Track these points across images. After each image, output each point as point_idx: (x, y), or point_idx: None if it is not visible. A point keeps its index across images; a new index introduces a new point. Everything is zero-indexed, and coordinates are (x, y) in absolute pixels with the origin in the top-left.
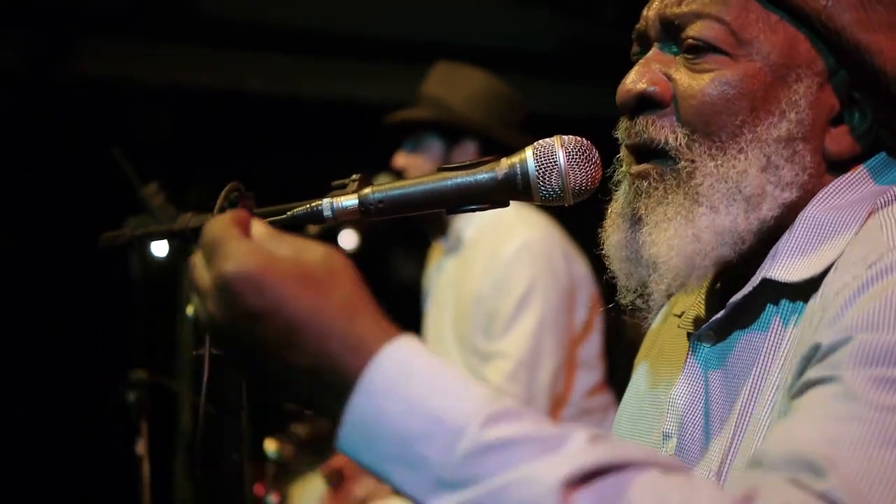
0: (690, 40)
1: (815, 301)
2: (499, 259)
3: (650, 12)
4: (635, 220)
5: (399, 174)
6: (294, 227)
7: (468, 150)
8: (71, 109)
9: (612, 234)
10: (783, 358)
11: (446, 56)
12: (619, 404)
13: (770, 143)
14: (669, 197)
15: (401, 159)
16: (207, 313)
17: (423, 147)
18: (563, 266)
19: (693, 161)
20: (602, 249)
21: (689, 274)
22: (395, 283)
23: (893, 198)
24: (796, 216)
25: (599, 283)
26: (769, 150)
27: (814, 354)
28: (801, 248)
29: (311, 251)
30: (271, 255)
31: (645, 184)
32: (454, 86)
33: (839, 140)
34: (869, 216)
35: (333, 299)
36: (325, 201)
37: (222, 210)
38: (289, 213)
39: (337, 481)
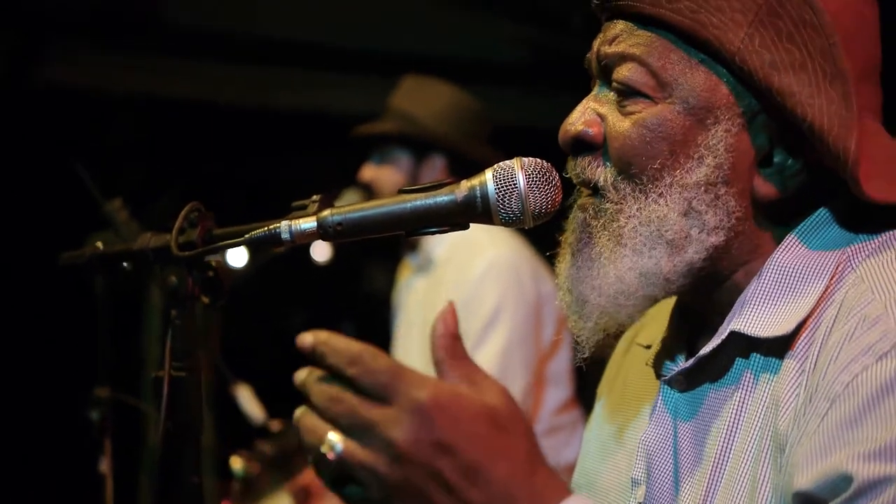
0: (616, 83)
1: (800, 368)
2: (466, 278)
3: (593, 48)
4: (573, 253)
5: (366, 187)
6: (253, 249)
7: (436, 164)
8: (39, 118)
9: (560, 264)
10: (758, 417)
11: (414, 66)
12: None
13: (690, 188)
14: (597, 236)
15: (368, 172)
16: (387, 441)
17: (390, 160)
18: (530, 284)
19: (617, 203)
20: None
21: (616, 313)
22: (368, 296)
23: (868, 251)
24: (745, 258)
25: None
26: (689, 194)
27: (844, 486)
28: (769, 298)
29: (491, 393)
30: (459, 391)
31: (582, 216)
32: (422, 99)
33: (769, 182)
34: (838, 267)
35: (518, 447)
36: (284, 224)
37: (182, 231)
38: (247, 235)
39: (304, 499)
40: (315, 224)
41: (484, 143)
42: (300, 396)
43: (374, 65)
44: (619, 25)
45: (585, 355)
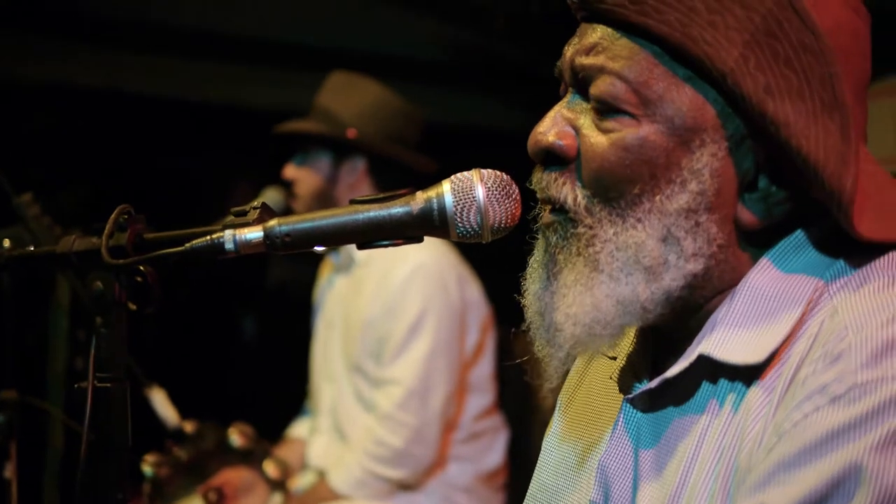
0: (594, 99)
1: (767, 399)
2: (390, 282)
3: (566, 55)
4: (547, 276)
5: (288, 186)
6: (193, 259)
7: (356, 166)
8: None
9: (531, 285)
10: (721, 445)
11: (334, 61)
12: (507, 426)
13: (670, 214)
14: (571, 261)
15: (289, 171)
16: None
17: (311, 160)
18: (455, 289)
19: (591, 227)
20: (521, 294)
21: (591, 343)
22: (281, 291)
23: (847, 282)
24: (725, 286)
25: (493, 305)
26: (669, 221)
27: None
28: (741, 321)
29: None
30: None
31: (554, 237)
32: (347, 98)
33: (753, 208)
34: (814, 294)
35: None
36: (227, 233)
37: (111, 234)
38: (187, 245)
39: (217, 501)
40: (262, 234)
41: (409, 145)
42: (214, 397)
43: (298, 59)
44: (598, 31)
45: (553, 385)
